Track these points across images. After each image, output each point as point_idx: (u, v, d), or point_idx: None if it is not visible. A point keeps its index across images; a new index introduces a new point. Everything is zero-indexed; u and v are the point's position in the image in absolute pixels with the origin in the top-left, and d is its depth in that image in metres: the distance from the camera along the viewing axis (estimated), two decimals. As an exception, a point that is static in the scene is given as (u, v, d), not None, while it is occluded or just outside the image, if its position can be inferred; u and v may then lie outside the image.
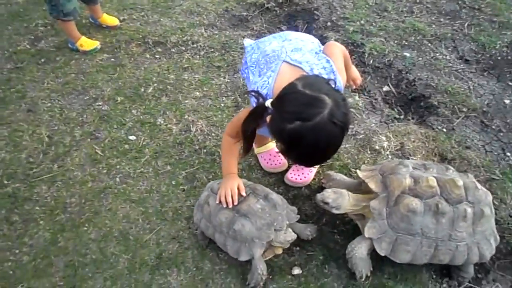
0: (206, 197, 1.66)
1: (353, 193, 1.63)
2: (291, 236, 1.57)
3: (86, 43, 2.60)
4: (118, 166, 2.01)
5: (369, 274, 1.58)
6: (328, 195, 1.58)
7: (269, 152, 1.98)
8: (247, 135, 1.45)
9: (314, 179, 1.93)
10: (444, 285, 1.62)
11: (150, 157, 2.05)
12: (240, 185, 1.60)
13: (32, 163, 2.02)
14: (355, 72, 1.80)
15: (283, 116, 1.24)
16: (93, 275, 1.63)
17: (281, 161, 1.96)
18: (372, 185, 1.56)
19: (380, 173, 1.60)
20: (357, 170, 1.70)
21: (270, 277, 1.62)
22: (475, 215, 1.50)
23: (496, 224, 1.75)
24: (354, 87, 1.86)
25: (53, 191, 1.91)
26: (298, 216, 1.65)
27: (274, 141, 2.00)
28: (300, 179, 1.90)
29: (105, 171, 1.99)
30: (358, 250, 1.54)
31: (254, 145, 2.01)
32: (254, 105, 1.40)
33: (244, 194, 1.58)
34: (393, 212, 1.49)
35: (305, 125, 1.18)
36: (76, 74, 2.48)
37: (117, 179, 1.96)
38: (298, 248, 1.70)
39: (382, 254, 1.51)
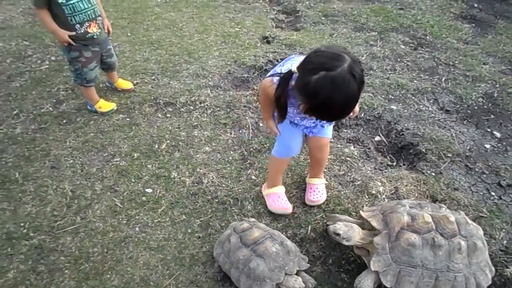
0: (228, 235, 1.83)
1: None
2: (299, 284, 1.70)
3: (104, 105, 2.85)
4: (137, 217, 2.16)
5: None
6: (340, 227, 1.76)
7: (278, 194, 2.18)
8: (280, 102, 1.67)
9: (318, 222, 2.11)
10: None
11: (166, 208, 2.21)
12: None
13: (57, 216, 2.16)
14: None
15: (308, 70, 1.45)
16: (118, 321, 1.73)
17: (287, 205, 2.15)
18: (374, 223, 1.74)
19: (381, 213, 1.79)
20: (360, 211, 1.89)
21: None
22: (469, 248, 1.67)
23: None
24: (353, 115, 2.04)
25: (77, 241, 2.04)
26: (309, 265, 1.80)
27: (283, 186, 2.22)
28: (317, 198, 2.18)
29: (125, 221, 2.14)
30: (365, 283, 1.69)
31: (265, 187, 2.24)
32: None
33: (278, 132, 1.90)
34: (395, 246, 1.67)
35: (329, 75, 1.39)
36: (95, 133, 2.70)
37: (137, 229, 2.10)
38: (308, 288, 1.84)
39: (388, 286, 1.65)
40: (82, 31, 2.48)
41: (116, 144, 2.62)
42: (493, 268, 1.75)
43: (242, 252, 1.73)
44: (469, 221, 1.76)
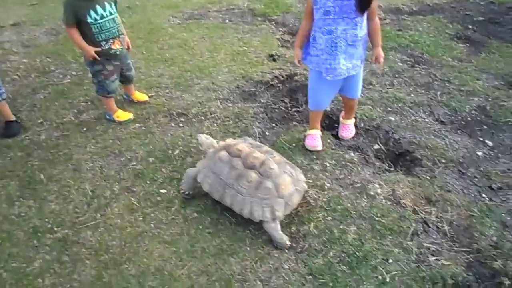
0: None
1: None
2: None
3: (122, 115, 3.09)
4: (152, 214, 2.34)
5: (187, 192, 2.36)
6: (200, 135, 2.53)
7: (313, 135, 2.82)
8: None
9: (320, 220, 2.26)
10: None
11: (179, 207, 2.38)
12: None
13: (78, 213, 2.35)
14: (381, 52, 2.53)
15: None
16: (135, 305, 1.89)
17: (318, 144, 2.78)
18: (218, 144, 2.41)
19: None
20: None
21: None
22: (260, 183, 2.10)
23: (478, 252, 2.07)
24: (376, 63, 2.60)
25: (97, 235, 2.22)
26: None
27: (319, 128, 2.88)
28: (348, 134, 2.92)
29: (141, 218, 2.32)
30: (189, 171, 2.38)
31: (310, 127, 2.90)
32: None
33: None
34: (212, 157, 2.27)
35: None
36: (113, 140, 2.92)
37: (152, 225, 2.28)
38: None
39: (199, 181, 2.27)
40: (106, 47, 2.74)
41: (132, 150, 2.83)
42: (278, 213, 2.10)
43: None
44: (275, 167, 2.14)
